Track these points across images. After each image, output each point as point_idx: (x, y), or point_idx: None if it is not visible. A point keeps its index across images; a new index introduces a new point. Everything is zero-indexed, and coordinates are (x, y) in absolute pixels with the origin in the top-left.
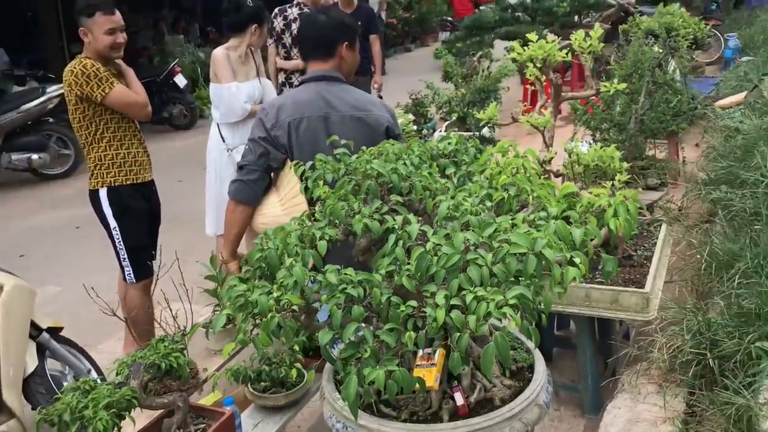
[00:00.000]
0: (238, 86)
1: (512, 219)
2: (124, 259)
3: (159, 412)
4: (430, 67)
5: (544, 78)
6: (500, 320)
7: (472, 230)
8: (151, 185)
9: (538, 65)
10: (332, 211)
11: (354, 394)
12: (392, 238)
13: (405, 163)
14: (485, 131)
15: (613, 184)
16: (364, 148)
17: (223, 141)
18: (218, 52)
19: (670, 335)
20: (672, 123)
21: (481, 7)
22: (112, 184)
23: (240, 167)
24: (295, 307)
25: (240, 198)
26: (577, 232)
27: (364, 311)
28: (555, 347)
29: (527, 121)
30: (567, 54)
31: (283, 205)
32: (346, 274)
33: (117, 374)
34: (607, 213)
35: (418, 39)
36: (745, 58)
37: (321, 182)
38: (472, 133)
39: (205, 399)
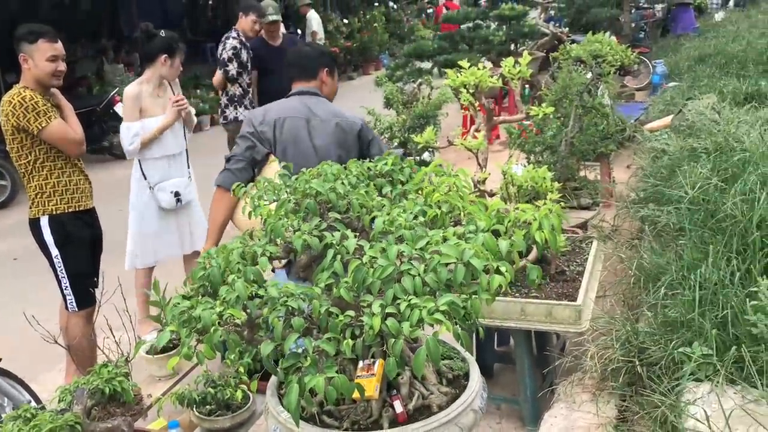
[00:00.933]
0: (129, 126)
1: (444, 232)
2: (66, 287)
3: None
4: (372, 94)
5: (477, 103)
6: (432, 326)
7: (406, 243)
8: (93, 212)
9: (471, 91)
10: (273, 229)
11: (295, 401)
12: (330, 252)
13: (343, 183)
14: (426, 155)
15: (545, 203)
16: (304, 170)
17: (145, 178)
18: (129, 88)
19: (602, 346)
20: (601, 145)
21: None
22: (54, 212)
23: (227, 159)
24: (238, 322)
25: (226, 185)
26: (503, 243)
27: (304, 322)
28: (496, 363)
29: (461, 144)
30: (498, 80)
31: None
32: (286, 287)
33: (59, 401)
34: (532, 226)
35: (360, 68)
36: (671, 84)
37: (263, 202)
38: (412, 158)
39: (152, 425)
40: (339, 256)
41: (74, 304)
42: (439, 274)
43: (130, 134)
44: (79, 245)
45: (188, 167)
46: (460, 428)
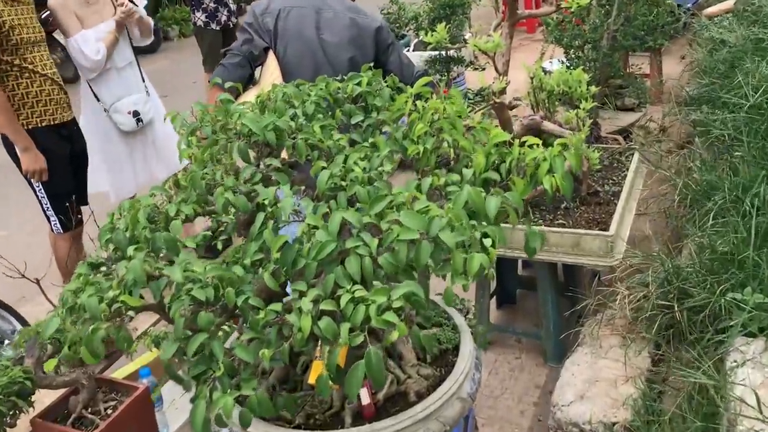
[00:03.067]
0: (83, 35)
1: (417, 186)
2: (48, 208)
3: (63, 390)
4: None
5: None
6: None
7: (357, 208)
8: (71, 125)
9: None
10: (192, 182)
11: (201, 422)
12: (260, 217)
13: (296, 114)
14: (453, 51)
15: (577, 113)
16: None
17: (98, 100)
18: (51, 0)
19: (636, 284)
20: (649, 39)
21: None
22: (26, 127)
23: (224, 53)
24: (131, 313)
25: (219, 82)
26: (492, 202)
27: (213, 318)
28: (518, 288)
29: (474, 46)
30: None
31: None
32: (193, 270)
33: (18, 347)
34: (541, 168)
35: None
36: None
37: (193, 139)
38: (438, 53)
39: (120, 371)
40: (271, 223)
41: (58, 225)
42: (397, 254)
43: (90, 42)
44: (57, 162)
45: (143, 80)
46: (442, 423)
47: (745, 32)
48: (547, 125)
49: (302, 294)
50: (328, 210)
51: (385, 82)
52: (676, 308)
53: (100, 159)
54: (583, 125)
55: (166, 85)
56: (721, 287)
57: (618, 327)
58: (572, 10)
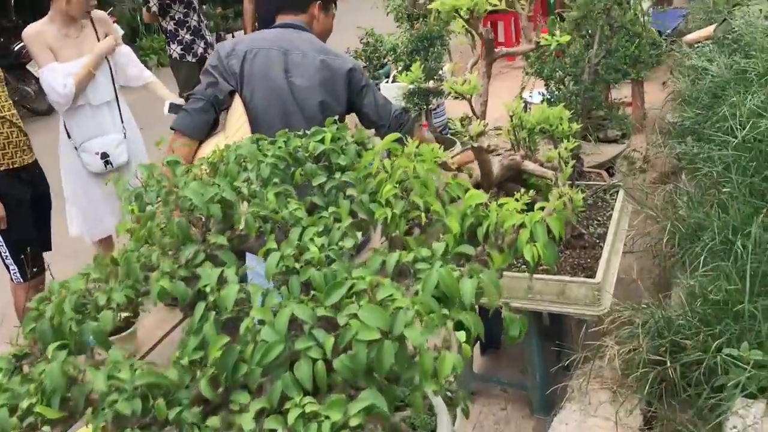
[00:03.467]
0: (55, 67)
1: (383, 263)
2: (7, 257)
3: None
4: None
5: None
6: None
7: (311, 298)
8: (32, 168)
9: (466, 16)
10: (126, 265)
11: None
12: (200, 308)
13: (250, 178)
14: (431, 83)
15: (559, 153)
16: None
17: (69, 137)
18: (28, 30)
19: (625, 336)
20: (631, 71)
21: None
22: None
23: (186, 97)
24: (46, 428)
25: (181, 127)
26: (467, 285)
27: None
28: (503, 333)
29: (451, 88)
30: (500, 1)
31: (229, 141)
32: (118, 378)
33: None
34: (520, 237)
35: None
36: None
37: (135, 207)
38: (415, 86)
39: None
40: (213, 315)
41: (18, 275)
42: (355, 357)
43: (58, 76)
44: (16, 208)
45: (122, 121)
46: None
47: (726, 61)
48: (528, 165)
49: (243, 408)
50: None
51: (352, 137)
52: (668, 363)
53: (72, 197)
54: (566, 165)
55: (143, 117)
56: (716, 342)
57: (608, 380)
58: (552, 48)
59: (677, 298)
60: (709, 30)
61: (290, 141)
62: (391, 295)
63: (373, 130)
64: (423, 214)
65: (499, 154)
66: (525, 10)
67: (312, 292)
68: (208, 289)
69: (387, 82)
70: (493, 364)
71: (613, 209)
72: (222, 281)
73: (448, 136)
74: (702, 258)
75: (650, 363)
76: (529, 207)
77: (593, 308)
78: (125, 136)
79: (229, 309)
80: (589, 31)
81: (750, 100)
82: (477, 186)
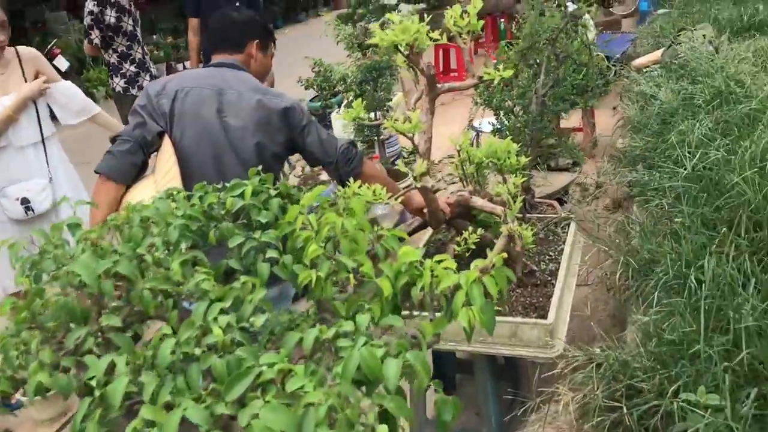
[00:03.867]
0: None
1: (301, 339)
2: None
3: None
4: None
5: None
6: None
7: (208, 394)
8: None
9: (406, 52)
10: (3, 353)
11: None
12: (83, 406)
13: (155, 244)
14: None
15: (508, 189)
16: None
17: None
18: None
19: (579, 382)
20: (579, 101)
21: None
22: None
23: (113, 139)
24: None
25: (106, 171)
26: (392, 367)
27: None
28: (458, 373)
29: (392, 126)
30: (441, 36)
31: (158, 185)
32: None
33: None
34: (456, 300)
35: (332, 1)
36: (661, 11)
37: (27, 280)
38: (367, 118)
39: None
40: (98, 413)
41: None
42: None
43: None
44: None
45: (48, 164)
46: None
47: (674, 86)
48: (477, 201)
49: None
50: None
51: (276, 189)
52: (624, 410)
53: None
54: (514, 201)
55: (88, 150)
56: (672, 385)
57: (564, 427)
58: (495, 82)
59: (632, 337)
60: (656, 54)
61: (206, 197)
62: (302, 387)
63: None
64: (351, 276)
65: (453, 183)
66: (466, 45)
67: (212, 385)
68: (94, 382)
69: (338, 111)
70: None
71: (564, 243)
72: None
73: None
74: (656, 293)
75: (606, 409)
76: (477, 248)
77: (546, 350)
78: (51, 181)
79: (116, 406)
80: (537, 61)
81: (698, 128)
82: (426, 225)
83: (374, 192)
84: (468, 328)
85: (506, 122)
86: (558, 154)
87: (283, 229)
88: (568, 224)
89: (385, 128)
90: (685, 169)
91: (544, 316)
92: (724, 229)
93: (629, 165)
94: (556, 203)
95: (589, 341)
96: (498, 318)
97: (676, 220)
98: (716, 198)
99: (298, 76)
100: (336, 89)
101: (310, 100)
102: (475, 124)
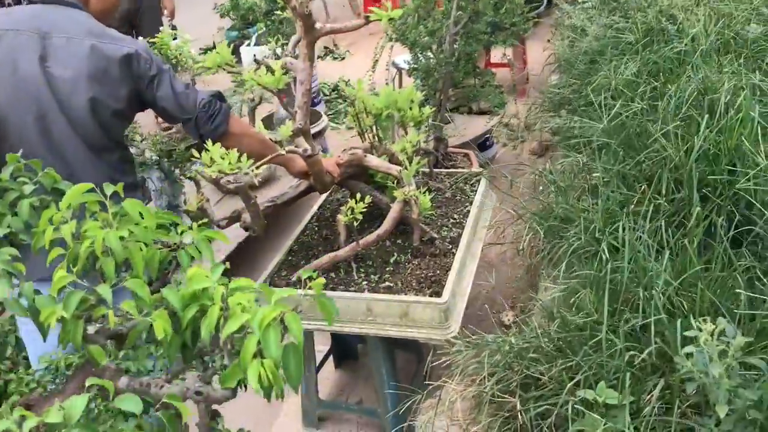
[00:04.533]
0: None
1: None
2: None
3: None
4: None
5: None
6: None
7: None
8: None
9: None
10: None
11: None
12: None
13: None
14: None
15: (405, 148)
16: None
17: None
18: None
19: (471, 371)
20: (497, 39)
21: None
22: None
23: None
24: None
25: None
26: None
27: None
28: (360, 343)
29: (252, 79)
30: None
31: None
32: None
33: None
34: (245, 348)
35: None
36: None
37: None
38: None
39: None
40: None
41: None
42: None
43: None
44: None
45: None
46: None
47: (605, 21)
48: (372, 161)
49: None
50: None
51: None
52: (518, 406)
53: None
54: (410, 162)
55: None
56: (573, 378)
57: (458, 417)
58: (383, 23)
59: (536, 318)
60: None
61: None
62: None
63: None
64: (111, 313)
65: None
66: None
67: None
68: None
69: (249, 44)
70: (349, 379)
71: (472, 203)
72: None
73: (315, 108)
74: (564, 262)
75: (502, 397)
76: (373, 212)
77: (440, 332)
78: None
79: None
80: None
81: (623, 70)
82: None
83: (239, 159)
84: (257, 389)
85: (422, 60)
86: (482, 93)
87: (37, 239)
88: (479, 181)
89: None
90: (605, 117)
91: (440, 293)
92: (644, 186)
93: (553, 109)
94: (471, 154)
95: (498, 310)
96: (387, 297)
97: (594, 174)
98: (638, 152)
99: (213, 2)
100: (248, 19)
101: (228, 29)
102: (398, 60)
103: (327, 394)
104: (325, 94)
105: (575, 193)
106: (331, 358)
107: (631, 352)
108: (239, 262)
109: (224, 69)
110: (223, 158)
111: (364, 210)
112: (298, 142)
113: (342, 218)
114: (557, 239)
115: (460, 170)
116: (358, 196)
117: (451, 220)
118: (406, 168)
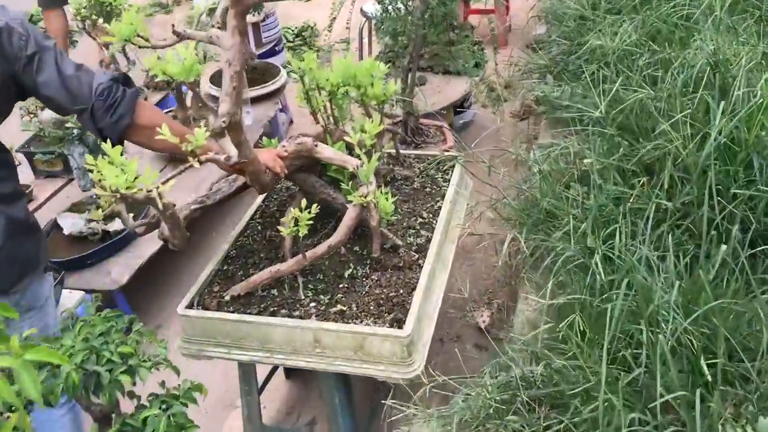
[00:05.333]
0: None
1: None
2: None
3: None
4: None
5: None
6: None
7: None
8: None
9: None
10: None
11: None
12: None
13: None
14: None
15: (364, 141)
16: None
17: None
18: None
19: (438, 416)
20: None
21: None
22: None
23: None
24: None
25: None
26: None
27: None
28: None
29: (157, 68)
30: None
31: None
32: None
33: None
34: None
35: None
36: None
37: None
38: None
39: None
40: None
41: None
42: None
43: None
44: None
45: None
46: None
47: None
48: (324, 151)
49: None
50: None
51: None
52: None
53: None
54: (369, 157)
55: None
56: None
57: None
58: None
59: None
60: None
61: None
62: None
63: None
64: None
65: None
66: None
67: None
68: None
69: None
70: (301, 391)
71: (444, 198)
72: None
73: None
74: (552, 274)
75: None
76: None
77: (402, 369)
78: None
79: None
80: None
81: (620, 32)
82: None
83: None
84: None
85: (392, 13)
86: (459, 53)
87: None
88: (452, 169)
89: (254, 11)
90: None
91: (402, 321)
92: (643, 180)
93: (539, 72)
94: (446, 128)
95: (473, 307)
96: (339, 327)
97: (585, 161)
98: (636, 136)
99: None
100: None
101: None
102: (367, 7)
103: (276, 410)
104: (288, 41)
105: (563, 179)
106: (281, 367)
107: (632, 415)
108: (162, 268)
109: (134, 44)
110: (118, 169)
111: (310, 222)
112: (222, 144)
113: (281, 230)
114: (542, 236)
115: (431, 153)
116: (304, 203)
117: (419, 220)
118: (364, 163)
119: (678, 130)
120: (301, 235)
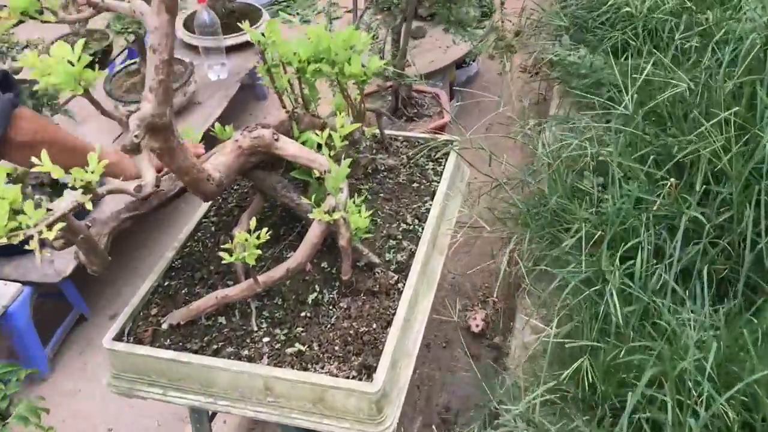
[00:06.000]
0: None
1: None
2: None
3: None
4: None
5: None
6: None
7: None
8: None
9: None
10: None
11: None
12: None
13: None
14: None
15: (327, 145)
16: None
17: None
18: None
19: None
20: None
21: None
22: None
23: None
24: None
25: None
26: None
27: None
28: None
29: (25, 64)
30: None
31: None
32: None
33: None
34: None
35: None
36: None
37: None
38: None
39: None
40: None
41: None
42: None
43: None
44: None
45: None
46: None
47: None
48: (286, 147)
49: None
50: None
51: None
52: None
53: None
54: (337, 161)
55: None
56: None
57: None
58: None
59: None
60: None
61: None
62: None
63: None
64: None
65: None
66: None
67: None
68: None
69: None
70: None
71: (434, 198)
72: None
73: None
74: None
75: None
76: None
77: (371, 428)
78: None
79: None
80: None
81: None
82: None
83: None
84: None
85: None
86: (461, 4)
87: None
88: (446, 159)
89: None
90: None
91: (372, 369)
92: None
93: (555, 31)
94: (443, 96)
95: (465, 306)
96: (294, 375)
97: (604, 150)
98: (664, 123)
99: None
100: None
101: None
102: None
103: (237, 425)
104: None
105: (576, 167)
106: None
107: None
108: (118, 248)
109: (35, 19)
110: None
111: (259, 250)
112: (137, 162)
113: (228, 258)
114: (548, 239)
115: (422, 135)
116: (253, 222)
117: (403, 226)
118: (331, 166)
119: (719, 126)
120: (250, 264)
